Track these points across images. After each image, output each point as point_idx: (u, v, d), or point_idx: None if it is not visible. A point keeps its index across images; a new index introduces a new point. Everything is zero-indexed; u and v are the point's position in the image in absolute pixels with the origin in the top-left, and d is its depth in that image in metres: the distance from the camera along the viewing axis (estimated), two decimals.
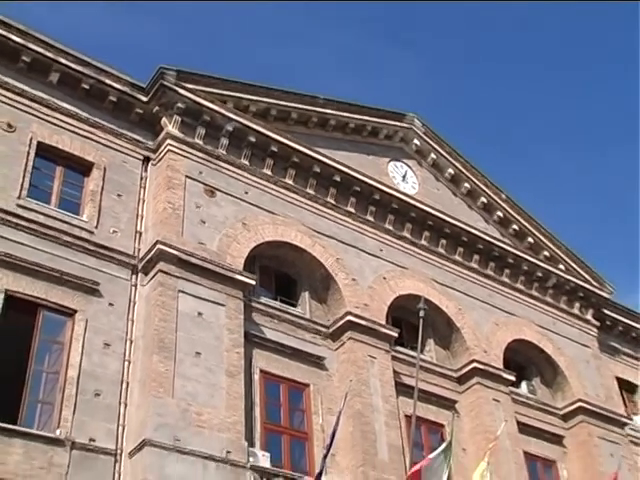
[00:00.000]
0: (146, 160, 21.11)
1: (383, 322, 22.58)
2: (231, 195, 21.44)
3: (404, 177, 26.63)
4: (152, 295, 18.75)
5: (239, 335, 19.43)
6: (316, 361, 21.41)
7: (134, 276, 19.26)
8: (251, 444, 18.55)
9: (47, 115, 19.74)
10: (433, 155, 27.80)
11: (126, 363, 18.04)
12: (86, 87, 20.41)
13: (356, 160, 24.75)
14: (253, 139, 22.20)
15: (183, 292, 18.96)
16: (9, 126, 18.81)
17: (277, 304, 21.62)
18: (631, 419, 29.21)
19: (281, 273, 22.71)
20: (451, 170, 27.98)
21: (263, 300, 21.23)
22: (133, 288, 19.10)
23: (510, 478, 22.94)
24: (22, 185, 18.40)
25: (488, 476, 20.94)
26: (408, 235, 25.17)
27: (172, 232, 19.57)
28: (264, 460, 18.42)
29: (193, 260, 19.34)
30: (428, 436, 23.06)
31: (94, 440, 16.64)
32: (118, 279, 18.91)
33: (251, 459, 18.02)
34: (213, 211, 20.83)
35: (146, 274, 19.22)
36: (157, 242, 19.04)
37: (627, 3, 56.06)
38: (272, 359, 20.56)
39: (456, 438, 22.30)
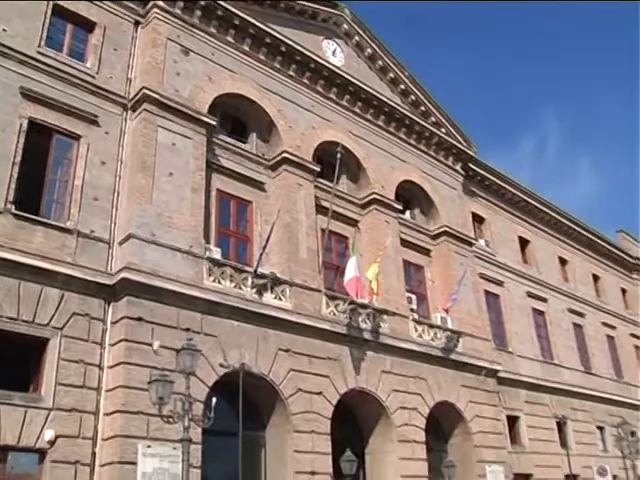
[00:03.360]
0: (137, 24, 20.30)
1: (310, 159, 22.88)
2: (201, 55, 20.97)
3: (334, 52, 26.21)
4: (138, 128, 18.66)
5: (202, 162, 19.59)
6: (258, 185, 21.76)
7: (125, 112, 19.03)
8: (207, 242, 19.12)
9: None
10: (357, 37, 27.31)
11: (117, 178, 18.19)
12: None
13: (298, 36, 24.21)
14: (220, 13, 21.53)
15: (161, 127, 18.88)
16: None
17: (232, 141, 21.64)
18: (477, 240, 30.64)
19: (236, 118, 22.54)
20: (369, 50, 27.59)
21: (221, 137, 21.22)
22: (124, 122, 18.92)
23: (392, 276, 24.14)
24: (41, 37, 17.81)
25: (376, 276, 22.03)
26: (333, 97, 25.08)
27: (155, 80, 19.26)
28: (217, 253, 19.02)
29: (170, 103, 19.17)
30: (336, 244, 23.92)
31: (94, 231, 17.08)
32: (112, 114, 18.70)
33: (207, 252, 18.62)
34: (187, 66, 20.42)
35: (134, 111, 19.00)
36: (143, 87, 18.80)
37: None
38: (226, 181, 20.84)
39: (357, 247, 23.22)
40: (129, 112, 19.07)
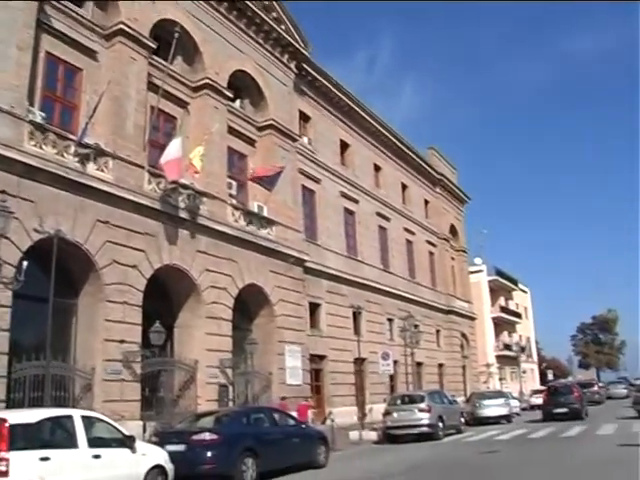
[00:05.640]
0: None
1: (146, 35, 21.83)
2: None
3: None
4: None
5: (31, 20, 18.01)
6: (91, 53, 20.60)
7: None
8: (31, 104, 18.00)
9: None
10: None
11: None
12: None
13: None
14: None
15: None
16: None
17: (67, 3, 19.97)
18: (301, 137, 31.30)
19: None
20: None
21: None
22: None
23: (215, 161, 24.33)
24: None
25: (200, 156, 22.04)
26: None
27: None
28: (40, 117, 18.02)
29: None
30: (164, 123, 23.50)
31: None
32: None
33: (30, 115, 17.62)
34: None
35: None
36: None
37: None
38: (56, 44, 19.48)
39: (184, 129, 23.03)
40: None
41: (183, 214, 22.00)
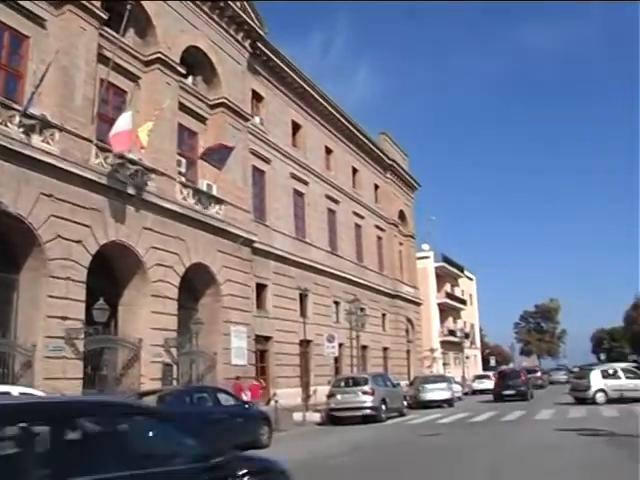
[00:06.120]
0: None
1: (98, 5, 21.27)
2: None
3: None
4: None
5: None
6: (38, 20, 19.92)
7: None
8: None
9: None
10: None
11: None
12: None
13: None
14: None
15: None
16: None
17: None
18: (252, 117, 31.11)
19: None
20: None
21: None
22: None
23: (165, 137, 24.00)
24: None
25: (148, 132, 21.69)
26: None
27: None
28: None
29: None
30: (114, 97, 23.04)
31: None
32: None
33: None
34: None
35: None
36: None
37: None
38: (1, 9, 18.69)
39: (134, 103, 22.63)
40: None
41: (130, 190, 21.63)
